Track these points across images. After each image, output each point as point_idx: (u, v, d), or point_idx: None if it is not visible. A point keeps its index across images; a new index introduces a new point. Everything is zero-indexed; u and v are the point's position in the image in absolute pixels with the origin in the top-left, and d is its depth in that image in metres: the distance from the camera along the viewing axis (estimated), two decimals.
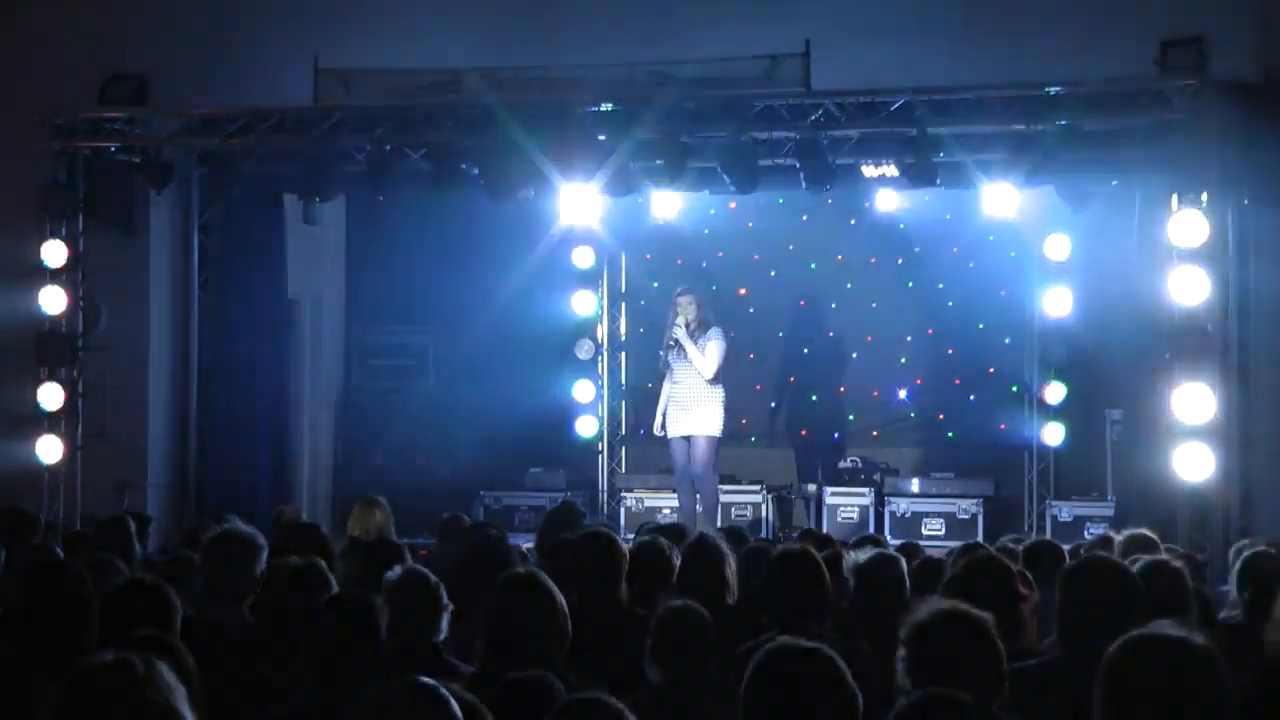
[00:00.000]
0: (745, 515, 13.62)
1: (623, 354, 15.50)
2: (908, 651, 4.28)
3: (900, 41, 11.71)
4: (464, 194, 12.44)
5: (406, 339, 15.27)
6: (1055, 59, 11.51)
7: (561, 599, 5.19)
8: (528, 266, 14.37)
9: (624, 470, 15.28)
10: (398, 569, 5.61)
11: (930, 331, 14.75)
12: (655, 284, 14.88)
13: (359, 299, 15.35)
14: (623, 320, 15.50)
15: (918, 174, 11.73)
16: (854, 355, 14.97)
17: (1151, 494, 11.32)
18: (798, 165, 11.85)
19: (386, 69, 12.19)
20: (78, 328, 12.68)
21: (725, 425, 12.75)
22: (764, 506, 13.88)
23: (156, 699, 3.11)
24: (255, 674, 5.10)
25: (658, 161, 11.96)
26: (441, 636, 5.39)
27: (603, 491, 15.14)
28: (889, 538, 11.98)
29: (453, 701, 3.65)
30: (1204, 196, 10.99)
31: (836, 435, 14.87)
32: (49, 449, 12.48)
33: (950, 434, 14.71)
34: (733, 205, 14.43)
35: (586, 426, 15.27)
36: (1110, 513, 12.67)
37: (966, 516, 13.39)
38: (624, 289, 15.50)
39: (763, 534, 12.79)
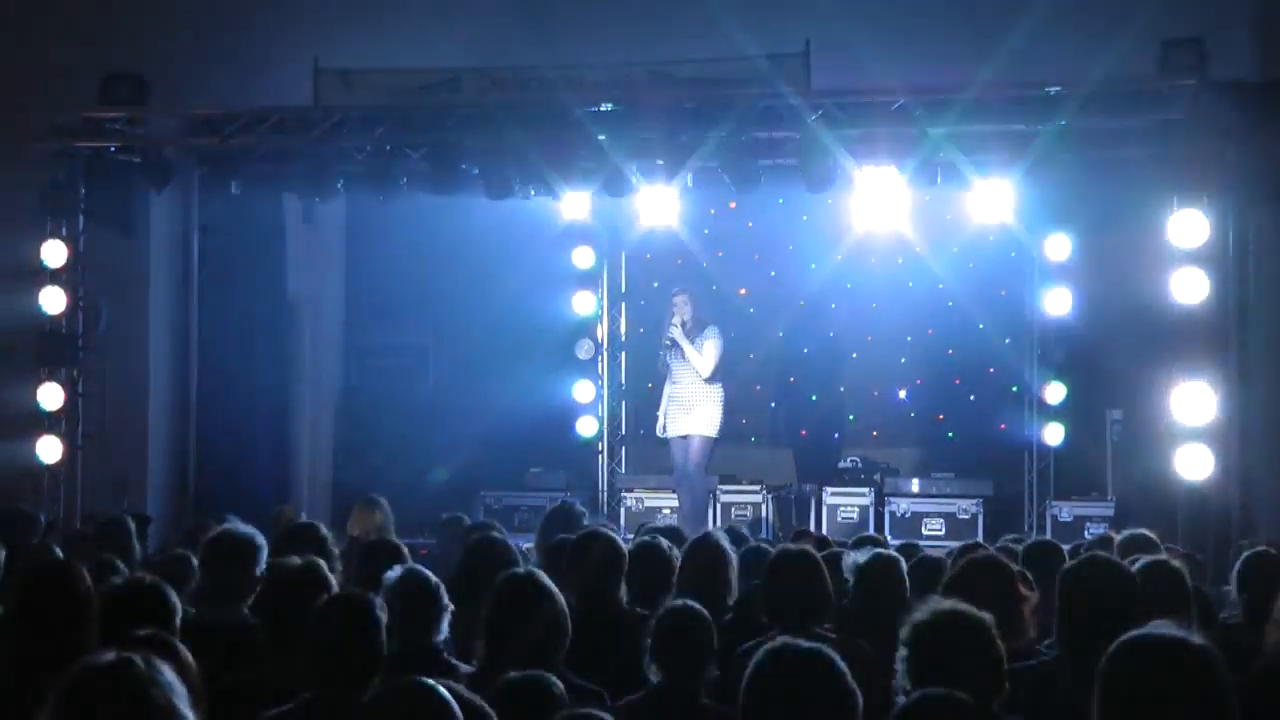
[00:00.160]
0: (745, 515, 13.62)
1: (623, 354, 15.50)
2: (908, 651, 4.28)
3: (900, 41, 11.72)
4: (464, 194, 12.44)
5: (406, 339, 15.27)
6: (1055, 59, 11.52)
7: (561, 599, 5.20)
8: (528, 266, 14.38)
9: (624, 470, 15.28)
10: (398, 569, 5.61)
11: (930, 331, 14.75)
12: (655, 284, 14.90)
13: (359, 299, 15.34)
14: (623, 320, 15.50)
15: (917, 174, 11.73)
16: (854, 355, 14.98)
17: (1151, 494, 11.34)
18: (798, 165, 11.85)
19: (386, 69, 12.20)
20: (78, 328, 12.68)
21: (725, 425, 12.76)
22: (764, 506, 13.88)
23: (158, 699, 3.11)
24: (255, 674, 5.10)
25: (658, 161, 11.97)
26: (441, 636, 5.39)
27: (603, 491, 15.13)
28: (889, 538, 11.96)
29: (453, 702, 3.65)
30: (1204, 196, 11.00)
31: (836, 435, 14.87)
32: (49, 449, 12.48)
33: (950, 434, 14.72)
34: (733, 205, 14.43)
35: (586, 426, 15.27)
36: (1110, 513, 12.68)
37: (966, 516, 13.39)
38: (624, 289, 15.50)
39: (763, 534, 12.79)
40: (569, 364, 15.14)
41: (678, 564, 6.58)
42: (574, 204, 13.35)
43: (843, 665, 3.81)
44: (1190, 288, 10.98)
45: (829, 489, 13.79)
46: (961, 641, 4.26)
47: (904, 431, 14.89)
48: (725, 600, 6.39)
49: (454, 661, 5.32)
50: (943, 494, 13.61)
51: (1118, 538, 7.97)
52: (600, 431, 15.29)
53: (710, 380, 12.57)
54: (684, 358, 12.61)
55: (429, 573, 5.53)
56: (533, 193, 12.54)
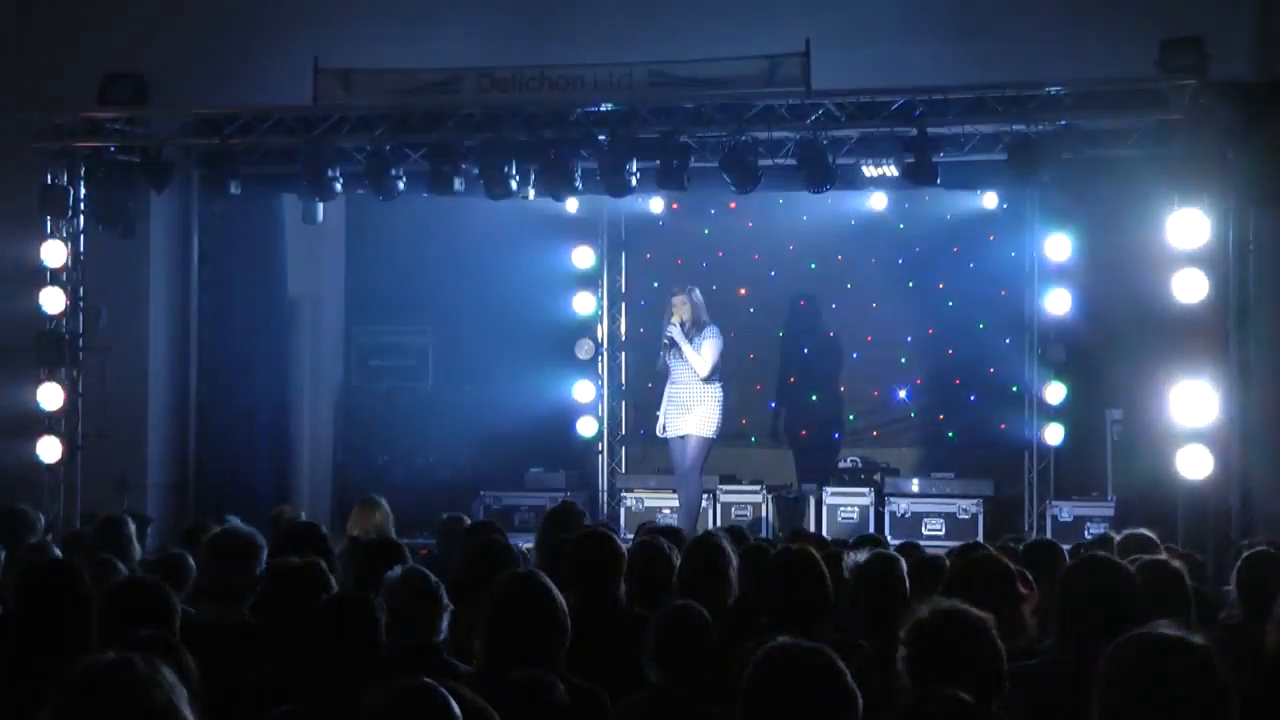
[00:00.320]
0: (745, 515, 13.62)
1: (623, 354, 15.50)
2: (908, 651, 4.28)
3: (900, 41, 11.72)
4: (464, 194, 12.44)
5: (406, 339, 15.27)
6: (1055, 59, 11.52)
7: (561, 599, 5.19)
8: (528, 266, 14.38)
9: (624, 470, 15.29)
10: (398, 569, 5.61)
11: (930, 331, 14.75)
12: (655, 284, 14.89)
13: (359, 299, 15.34)
14: (623, 320, 15.50)
15: (918, 174, 11.73)
16: (854, 355, 14.97)
17: (1151, 494, 11.33)
18: (798, 165, 11.85)
19: (386, 69, 12.19)
20: (78, 328, 12.70)
21: (725, 425, 12.75)
22: (764, 506, 13.88)
23: (158, 699, 3.11)
24: (255, 674, 5.10)
25: (657, 161, 11.97)
26: (441, 636, 5.38)
27: (603, 491, 15.14)
28: (889, 538, 11.97)
29: (453, 701, 3.65)
30: (1204, 197, 10.99)
31: (836, 435, 14.86)
32: (49, 449, 12.48)
33: (950, 434, 14.71)
34: (733, 205, 14.43)
35: (586, 426, 15.27)
36: (1110, 513, 12.67)
37: (966, 516, 13.39)
38: (624, 289, 15.51)
39: (763, 534, 12.78)
40: (569, 364, 15.15)
41: (678, 564, 6.58)
42: (574, 204, 13.34)
43: (843, 665, 3.81)
44: (1190, 288, 10.97)
45: (829, 489, 13.79)
46: (961, 641, 4.26)
47: (904, 431, 14.89)
48: (725, 600, 6.39)
49: (454, 661, 5.32)
50: (943, 494, 13.61)
51: (1118, 538, 7.96)
52: (600, 431, 15.29)
53: (708, 380, 12.56)
54: (683, 358, 12.61)
55: (429, 573, 5.53)
56: (533, 193, 12.54)
